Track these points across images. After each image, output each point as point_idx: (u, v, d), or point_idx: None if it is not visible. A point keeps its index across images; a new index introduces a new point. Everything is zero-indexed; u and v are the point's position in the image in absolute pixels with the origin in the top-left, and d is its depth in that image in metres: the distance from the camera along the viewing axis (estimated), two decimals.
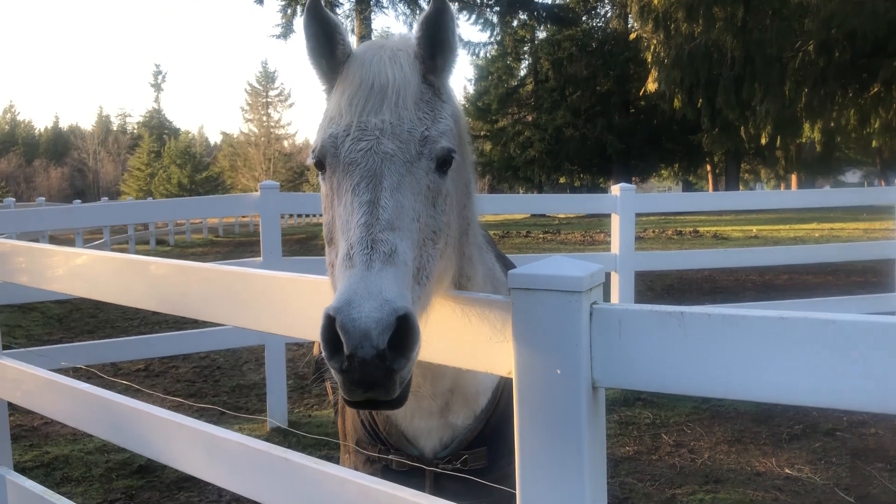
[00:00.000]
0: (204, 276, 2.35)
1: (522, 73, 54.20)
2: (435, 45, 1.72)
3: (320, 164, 1.69)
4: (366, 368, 1.34)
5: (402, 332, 1.36)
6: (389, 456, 2.18)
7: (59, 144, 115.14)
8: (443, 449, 2.18)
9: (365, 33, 36.90)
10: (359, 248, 1.45)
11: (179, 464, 2.55)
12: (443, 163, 1.65)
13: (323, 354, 1.40)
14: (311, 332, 2.01)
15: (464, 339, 1.73)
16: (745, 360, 1.38)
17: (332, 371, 1.40)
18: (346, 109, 1.64)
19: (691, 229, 27.07)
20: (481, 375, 2.12)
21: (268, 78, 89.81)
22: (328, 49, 1.76)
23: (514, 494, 1.65)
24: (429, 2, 1.70)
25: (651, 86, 38.96)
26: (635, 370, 1.49)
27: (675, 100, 37.17)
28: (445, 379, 2.05)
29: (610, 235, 7.45)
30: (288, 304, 2.08)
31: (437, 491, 2.10)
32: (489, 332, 1.68)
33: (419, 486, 2.09)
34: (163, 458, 2.62)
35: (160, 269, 2.54)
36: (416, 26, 1.74)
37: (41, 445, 6.09)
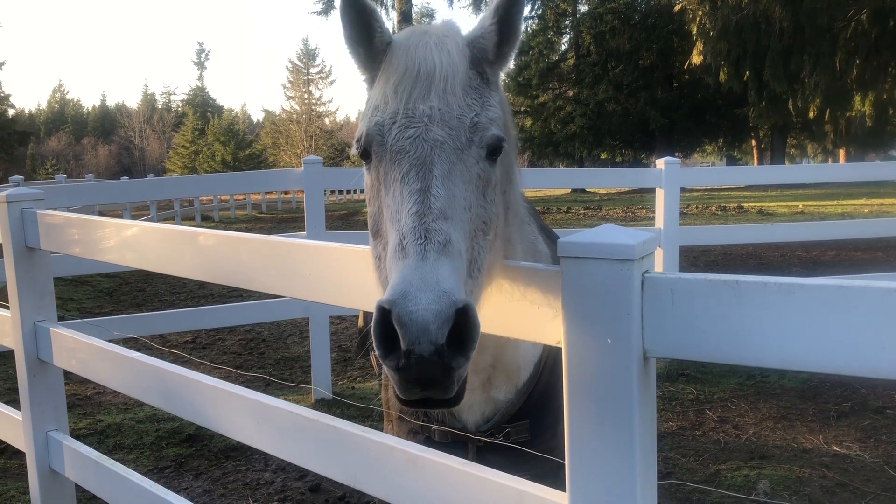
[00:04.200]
0: (254, 246, 2.38)
1: (564, 47, 53.38)
2: (503, 32, 1.68)
3: (366, 154, 1.64)
4: (423, 365, 1.27)
5: (462, 326, 1.30)
6: (433, 426, 2.19)
7: (107, 122, 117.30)
8: (485, 423, 2.19)
9: (405, 8, 36.68)
10: (412, 238, 1.39)
11: (229, 431, 2.60)
12: (493, 150, 1.61)
13: (376, 353, 1.33)
14: (361, 300, 2.03)
15: (512, 309, 1.73)
16: (802, 330, 1.35)
17: (387, 369, 1.33)
18: (391, 97, 1.59)
19: (735, 205, 26.55)
20: (522, 350, 2.12)
21: (309, 55, 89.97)
22: (366, 37, 1.71)
23: (558, 466, 1.64)
24: None
25: (696, 59, 38.03)
26: (687, 340, 1.47)
27: (721, 73, 36.29)
28: (486, 353, 2.04)
29: (652, 211, 7.38)
30: (337, 274, 2.09)
31: (479, 463, 2.11)
32: (538, 302, 1.67)
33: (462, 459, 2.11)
34: (213, 425, 2.67)
35: (209, 239, 2.57)
36: (489, 10, 1.69)
37: (94, 414, 6.28)
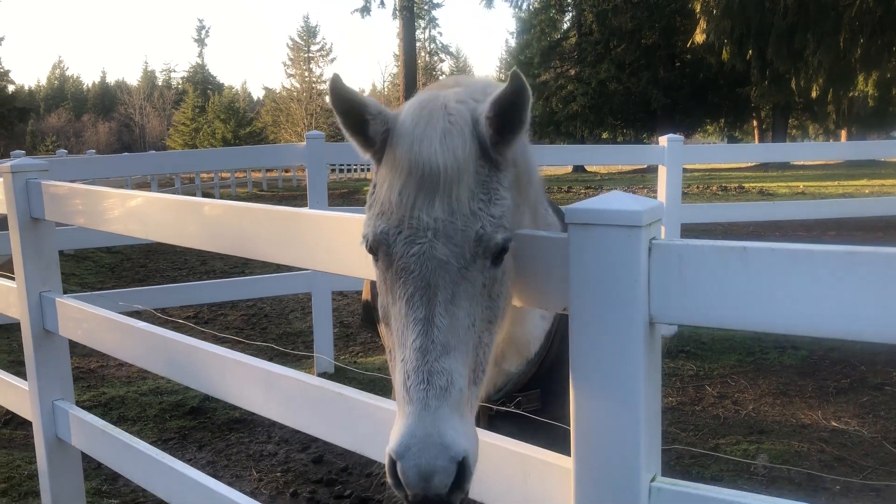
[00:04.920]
0: (258, 216, 2.39)
1: (566, 25, 52.99)
2: (506, 123, 1.61)
3: (373, 252, 1.64)
4: (426, 502, 1.41)
5: (460, 473, 1.41)
6: None
7: (107, 99, 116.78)
8: (496, 392, 2.21)
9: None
10: (415, 380, 1.45)
11: (237, 399, 2.62)
12: (499, 254, 1.59)
13: (389, 483, 1.46)
14: (365, 270, 2.04)
15: (518, 278, 1.73)
16: (809, 295, 1.36)
17: (398, 496, 1.47)
18: (396, 203, 1.56)
19: (736, 185, 26.53)
20: (531, 326, 2.13)
21: (309, 33, 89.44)
22: (360, 129, 1.67)
23: (567, 433, 1.66)
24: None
25: (699, 37, 37.74)
26: (694, 306, 1.48)
27: (724, 51, 36.04)
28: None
29: (653, 191, 7.38)
30: (343, 243, 2.10)
31: (491, 431, 2.14)
32: (545, 269, 1.68)
33: None
34: (219, 393, 2.69)
35: (214, 209, 2.58)
36: (487, 104, 1.62)
37: (98, 387, 6.32)
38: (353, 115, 1.66)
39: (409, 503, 1.44)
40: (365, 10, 49.63)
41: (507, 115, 1.60)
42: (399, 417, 1.48)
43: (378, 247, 1.60)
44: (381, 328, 1.74)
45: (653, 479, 1.57)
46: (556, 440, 1.95)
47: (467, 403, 1.51)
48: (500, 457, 1.81)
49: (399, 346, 1.55)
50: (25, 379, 3.76)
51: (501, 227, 1.59)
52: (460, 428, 1.44)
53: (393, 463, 1.42)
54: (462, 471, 1.42)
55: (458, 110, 1.64)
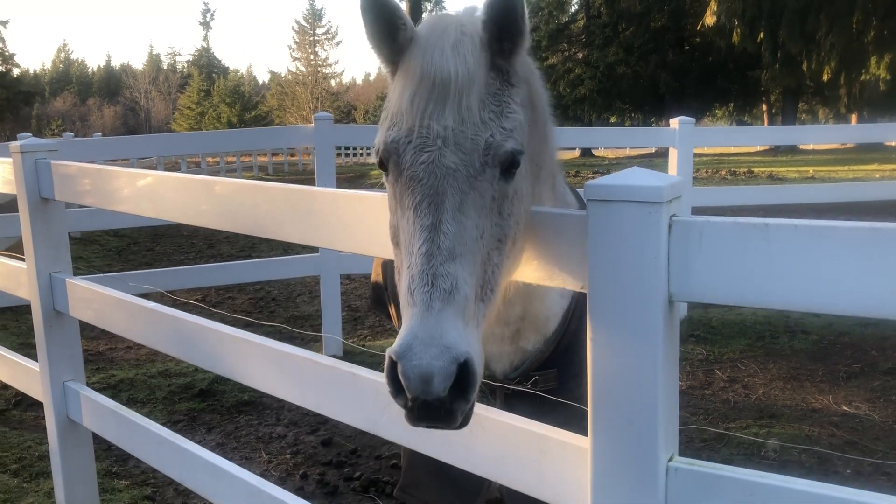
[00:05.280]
0: (273, 193, 2.37)
1: (574, 8, 52.64)
2: (503, 28, 1.60)
3: (383, 166, 1.64)
4: (427, 409, 1.38)
5: (462, 377, 1.37)
6: None
7: (112, 83, 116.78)
8: (513, 371, 2.20)
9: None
10: (419, 283, 1.43)
11: (248, 379, 2.61)
12: (508, 166, 1.57)
13: (388, 390, 1.43)
14: (379, 248, 2.02)
15: (536, 255, 1.71)
16: (832, 273, 1.34)
17: (397, 404, 1.44)
18: (407, 110, 1.56)
19: (746, 170, 26.37)
20: (550, 301, 2.11)
21: (315, 16, 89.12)
22: (389, 36, 1.66)
23: (583, 413, 1.65)
24: None
25: (709, 19, 37.47)
26: (714, 283, 1.45)
27: (735, 33, 35.79)
28: (516, 306, 2.03)
29: None
30: (357, 220, 2.08)
31: (507, 410, 2.13)
32: (564, 247, 1.66)
33: (490, 405, 2.12)
34: (232, 373, 2.69)
35: (226, 188, 2.56)
36: (481, 8, 1.61)
37: (107, 369, 6.34)
38: (386, 18, 1.64)
39: (408, 412, 1.41)
40: None
41: (501, 19, 1.59)
42: (403, 322, 1.45)
43: (388, 157, 1.60)
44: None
45: (670, 459, 1.55)
46: (572, 420, 1.94)
47: (473, 316, 1.48)
48: (517, 437, 1.80)
49: (406, 255, 1.53)
50: (36, 360, 3.76)
51: (512, 137, 1.58)
52: (464, 332, 1.41)
53: (393, 366, 1.39)
54: (465, 375, 1.38)
55: (471, 22, 1.65)
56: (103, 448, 4.54)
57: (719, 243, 1.44)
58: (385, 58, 1.71)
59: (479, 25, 1.63)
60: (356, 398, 2.18)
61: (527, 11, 1.61)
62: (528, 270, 1.75)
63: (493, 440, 1.84)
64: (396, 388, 1.40)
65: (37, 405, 4.40)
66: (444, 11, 2.07)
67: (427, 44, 1.60)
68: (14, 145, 3.45)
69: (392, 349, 1.39)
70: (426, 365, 1.33)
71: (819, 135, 10.26)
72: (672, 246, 1.47)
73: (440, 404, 1.37)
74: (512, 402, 2.16)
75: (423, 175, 1.53)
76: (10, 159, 3.53)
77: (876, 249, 1.30)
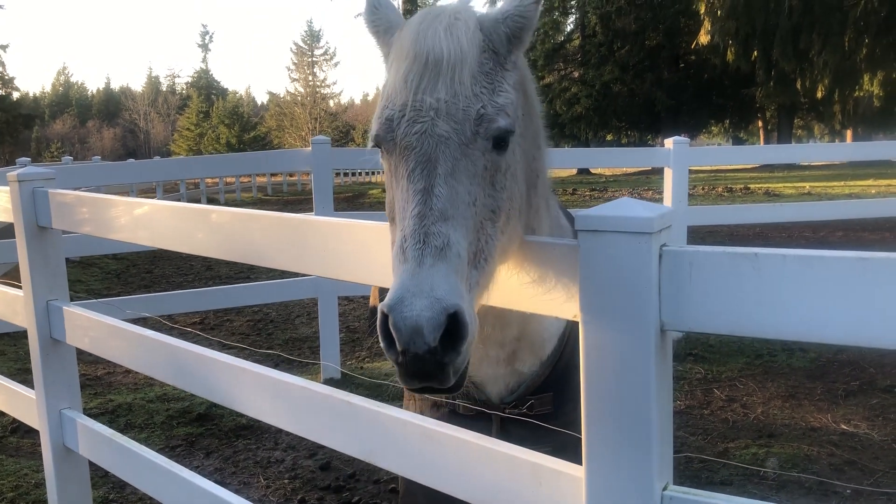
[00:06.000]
0: (267, 223, 2.38)
1: (569, 27, 53.03)
2: (522, 21, 1.70)
3: (379, 144, 1.68)
4: (418, 363, 1.38)
5: (453, 329, 1.39)
6: (456, 400, 2.21)
7: (111, 105, 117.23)
8: (509, 394, 2.20)
9: None
10: (412, 241, 1.46)
11: (243, 407, 2.61)
12: (499, 139, 1.62)
13: (381, 345, 1.44)
14: (377, 277, 2.03)
15: (530, 283, 1.72)
16: (821, 302, 1.34)
17: (390, 360, 1.45)
18: (400, 87, 1.62)
19: (742, 186, 26.46)
20: (546, 323, 2.12)
21: (313, 37, 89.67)
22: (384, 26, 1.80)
23: (580, 439, 1.65)
24: None
25: (703, 38, 37.74)
26: (705, 313, 1.46)
27: (729, 52, 36.06)
28: (512, 327, 2.05)
29: (658, 193, 7.39)
30: (351, 250, 2.09)
31: (503, 435, 2.12)
32: (556, 276, 1.67)
33: (486, 430, 2.12)
34: (227, 401, 2.68)
35: (222, 217, 2.57)
36: (504, 8, 1.70)
37: (105, 394, 6.33)
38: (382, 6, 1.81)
39: (400, 368, 1.42)
40: None
41: (525, 11, 1.70)
42: (394, 279, 1.47)
43: (384, 135, 1.64)
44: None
45: (665, 488, 1.55)
46: (569, 445, 1.94)
47: (465, 279, 1.50)
48: (511, 465, 1.80)
49: (399, 220, 1.56)
50: (32, 387, 3.75)
51: (504, 113, 1.63)
52: (457, 287, 1.43)
53: (385, 320, 1.40)
54: (456, 327, 1.39)
55: (465, 9, 1.72)
56: (100, 475, 4.53)
57: (709, 273, 1.45)
58: (380, 37, 1.83)
59: (473, 13, 1.70)
60: (351, 426, 2.17)
61: (539, 8, 1.74)
62: (524, 298, 1.76)
63: (487, 469, 1.84)
64: (388, 343, 1.41)
65: (34, 432, 4.38)
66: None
67: (420, 28, 1.67)
68: (11, 174, 3.47)
69: (384, 303, 1.41)
70: (416, 316, 1.35)
71: (813, 153, 10.31)
72: (663, 275, 1.48)
73: (431, 356, 1.37)
74: (508, 426, 2.16)
75: (416, 143, 1.57)
76: (8, 188, 3.54)
77: (864, 278, 1.31)
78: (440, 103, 1.57)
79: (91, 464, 3.74)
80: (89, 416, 4.21)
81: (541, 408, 2.18)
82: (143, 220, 2.97)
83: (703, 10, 37.36)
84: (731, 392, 5.92)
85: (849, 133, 45.77)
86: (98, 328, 3.26)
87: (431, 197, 1.51)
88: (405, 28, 1.72)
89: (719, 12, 34.93)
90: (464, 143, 1.57)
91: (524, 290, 1.74)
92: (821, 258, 1.35)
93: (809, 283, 1.35)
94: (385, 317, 1.39)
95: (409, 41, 1.66)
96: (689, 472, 4.47)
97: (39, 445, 3.80)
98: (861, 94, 35.69)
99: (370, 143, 1.71)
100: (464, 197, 1.54)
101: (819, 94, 35.11)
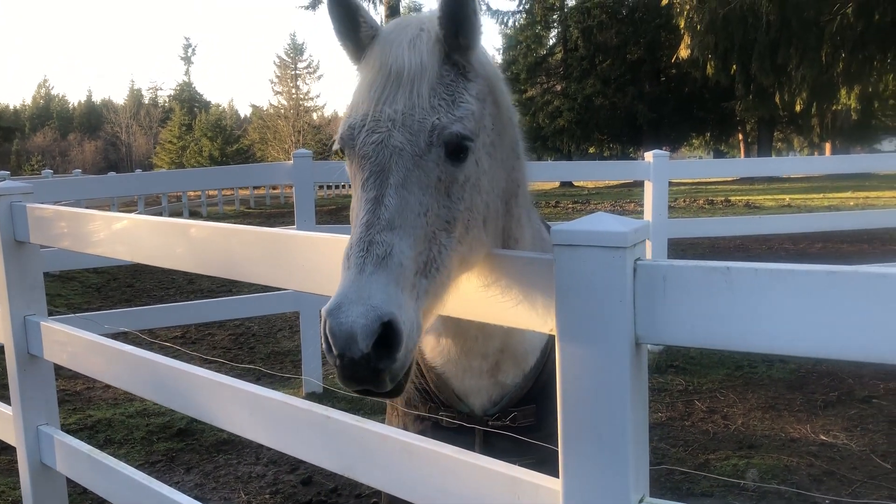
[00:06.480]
0: (246, 237, 2.38)
1: (551, 41, 53.40)
2: (456, 23, 1.68)
3: (342, 151, 1.73)
4: (354, 368, 1.42)
5: (387, 337, 1.42)
6: (439, 414, 2.21)
7: (93, 118, 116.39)
8: (492, 406, 2.21)
9: (393, 3, 36.60)
10: (356, 249, 1.50)
11: (222, 422, 2.60)
12: (454, 150, 1.63)
13: (323, 348, 1.47)
14: None
15: (506, 297, 1.74)
16: (792, 315, 1.36)
17: (329, 361, 1.48)
18: (364, 97, 1.67)
19: (723, 199, 26.71)
20: (529, 335, 2.14)
21: (296, 50, 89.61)
22: (353, 32, 1.79)
23: None
24: None
25: (683, 52, 38.17)
26: (679, 326, 1.48)
27: (708, 66, 36.46)
28: (495, 339, 2.07)
29: (640, 205, 7.42)
30: (331, 264, 2.10)
31: (486, 447, 2.13)
32: (532, 290, 1.68)
33: (469, 442, 2.13)
34: (206, 416, 2.67)
35: (201, 231, 2.57)
36: (437, 5, 1.72)
37: (84, 409, 6.26)
38: (349, 17, 1.78)
39: (338, 370, 1.45)
40: None
41: (455, 14, 1.68)
42: (338, 285, 1.50)
43: (347, 142, 1.68)
44: None
45: (641, 500, 1.56)
46: (551, 457, 1.94)
47: (411, 288, 1.52)
48: (491, 480, 1.80)
49: (352, 227, 1.60)
50: (9, 404, 3.71)
51: (460, 122, 1.65)
52: (394, 295, 1.46)
53: (325, 324, 1.44)
54: (390, 335, 1.42)
55: (430, 20, 1.75)
56: (79, 491, 4.47)
57: (683, 286, 1.46)
58: (351, 54, 1.83)
59: (436, 26, 1.72)
60: (330, 441, 2.17)
61: (477, 7, 1.71)
62: (500, 312, 1.77)
63: (466, 483, 1.84)
64: (328, 345, 1.44)
65: (10, 449, 4.32)
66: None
67: (387, 39, 1.71)
68: None
69: (324, 307, 1.45)
70: (351, 322, 1.39)
71: (791, 166, 10.43)
72: (637, 289, 1.50)
73: (365, 362, 1.40)
74: (491, 438, 2.16)
75: (372, 153, 1.61)
76: None
77: (833, 292, 1.33)
78: (397, 114, 1.62)
79: (69, 481, 3.70)
80: (69, 431, 4.17)
81: (524, 420, 2.19)
82: (122, 235, 2.96)
83: (682, 25, 37.82)
84: (711, 403, 5.96)
85: (828, 146, 46.38)
86: (76, 343, 3.24)
87: (380, 206, 1.55)
88: (376, 38, 1.76)
89: (699, 27, 35.36)
90: (417, 154, 1.60)
91: (503, 304, 1.75)
92: (791, 272, 1.37)
93: (781, 297, 1.37)
94: (325, 323, 1.44)
95: (377, 52, 1.71)
96: (670, 484, 4.49)
97: (16, 462, 3.75)
98: (839, 107, 36.22)
99: (336, 145, 1.75)
100: (414, 207, 1.57)
101: (797, 108, 35.58)
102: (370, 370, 1.43)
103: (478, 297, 1.80)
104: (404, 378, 1.53)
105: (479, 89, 1.74)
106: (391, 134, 1.60)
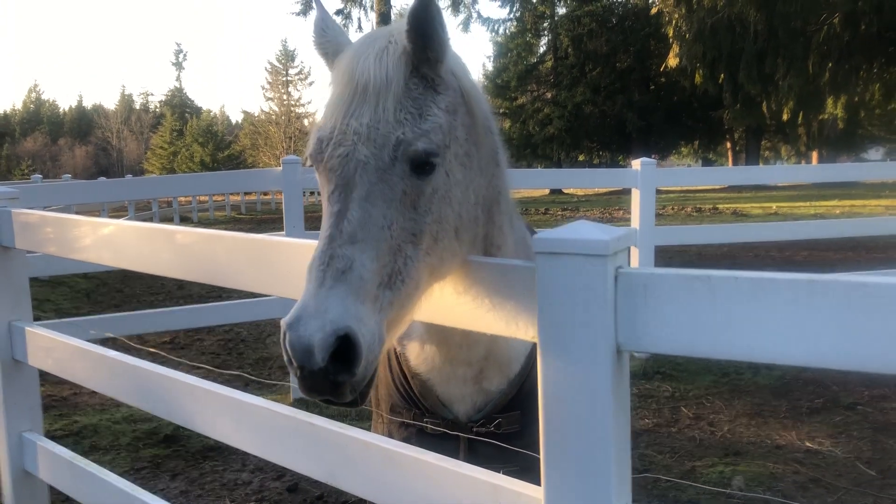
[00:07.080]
0: (232, 244, 2.38)
1: (542, 49, 53.64)
2: (424, 38, 1.68)
3: (312, 164, 1.74)
4: (313, 379, 1.44)
5: (346, 350, 1.44)
6: (423, 421, 2.22)
7: (84, 123, 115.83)
8: (476, 413, 2.21)
9: (384, 10, 36.66)
10: (318, 262, 1.52)
11: (207, 429, 2.59)
12: (419, 165, 1.63)
13: (285, 360, 1.48)
14: None
15: (488, 305, 1.74)
16: (773, 323, 1.37)
17: (290, 372, 1.50)
18: (332, 110, 1.68)
19: (710, 206, 26.84)
20: (514, 342, 2.14)
21: (288, 56, 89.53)
22: (327, 43, 1.88)
23: None
24: None
25: (672, 61, 38.43)
26: (661, 334, 1.49)
27: (697, 75, 36.70)
28: (479, 346, 2.07)
29: (629, 213, 7.44)
30: None
31: (470, 453, 2.14)
32: (513, 298, 1.69)
33: (454, 449, 2.14)
34: (191, 424, 2.66)
35: (187, 237, 2.57)
36: (404, 19, 1.71)
37: (70, 415, 6.22)
38: (323, 28, 1.89)
39: (299, 381, 1.46)
40: None
41: (422, 29, 1.68)
42: (300, 297, 1.51)
43: (315, 155, 1.69)
44: None
45: None
46: (535, 464, 1.95)
47: (374, 300, 1.53)
48: (473, 488, 1.80)
49: (319, 238, 1.61)
50: None
51: (426, 137, 1.65)
52: (353, 309, 1.47)
53: (284, 337, 1.45)
54: (349, 348, 1.43)
55: (399, 32, 1.74)
56: (61, 499, 4.44)
57: (665, 294, 1.47)
58: (329, 64, 1.87)
59: (404, 38, 1.72)
60: (314, 448, 2.17)
61: (444, 21, 1.71)
62: (482, 319, 1.78)
63: (448, 490, 1.84)
64: (288, 358, 1.45)
65: None
66: None
67: (356, 52, 1.72)
68: None
69: (284, 319, 1.46)
70: (308, 336, 1.40)
71: (778, 175, 10.51)
72: (619, 297, 1.50)
73: (323, 375, 1.42)
74: (476, 445, 2.17)
75: (338, 166, 1.63)
76: None
77: (813, 301, 1.34)
78: (363, 128, 1.62)
79: (52, 489, 3.67)
80: (54, 438, 4.14)
81: (508, 426, 2.19)
82: (108, 241, 2.95)
83: (671, 34, 38.09)
84: (698, 410, 5.98)
85: (814, 155, 46.70)
86: (61, 349, 3.22)
87: (343, 220, 1.56)
88: (346, 51, 1.78)
89: (687, 35, 35.58)
90: (381, 168, 1.61)
91: (483, 311, 1.75)
92: (772, 280, 1.38)
93: (761, 305, 1.38)
94: (285, 334, 1.45)
95: (345, 65, 1.72)
96: (656, 492, 4.50)
97: None
98: (825, 116, 36.49)
99: (306, 161, 1.76)
100: (378, 220, 1.58)
101: (784, 117, 35.83)
102: (329, 383, 1.45)
103: (457, 304, 1.80)
104: (366, 388, 1.54)
105: (448, 101, 1.74)
106: (356, 147, 1.61)
